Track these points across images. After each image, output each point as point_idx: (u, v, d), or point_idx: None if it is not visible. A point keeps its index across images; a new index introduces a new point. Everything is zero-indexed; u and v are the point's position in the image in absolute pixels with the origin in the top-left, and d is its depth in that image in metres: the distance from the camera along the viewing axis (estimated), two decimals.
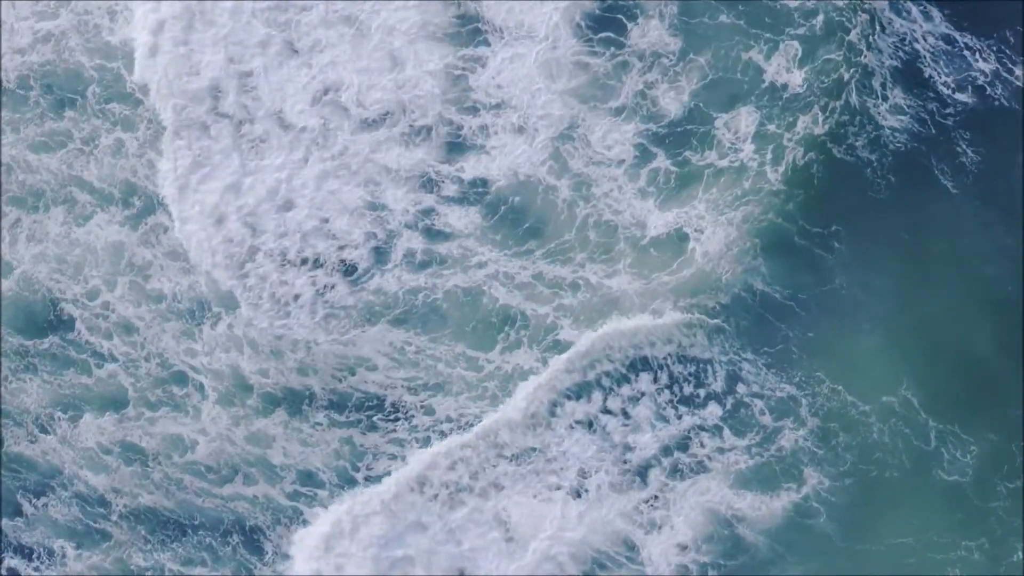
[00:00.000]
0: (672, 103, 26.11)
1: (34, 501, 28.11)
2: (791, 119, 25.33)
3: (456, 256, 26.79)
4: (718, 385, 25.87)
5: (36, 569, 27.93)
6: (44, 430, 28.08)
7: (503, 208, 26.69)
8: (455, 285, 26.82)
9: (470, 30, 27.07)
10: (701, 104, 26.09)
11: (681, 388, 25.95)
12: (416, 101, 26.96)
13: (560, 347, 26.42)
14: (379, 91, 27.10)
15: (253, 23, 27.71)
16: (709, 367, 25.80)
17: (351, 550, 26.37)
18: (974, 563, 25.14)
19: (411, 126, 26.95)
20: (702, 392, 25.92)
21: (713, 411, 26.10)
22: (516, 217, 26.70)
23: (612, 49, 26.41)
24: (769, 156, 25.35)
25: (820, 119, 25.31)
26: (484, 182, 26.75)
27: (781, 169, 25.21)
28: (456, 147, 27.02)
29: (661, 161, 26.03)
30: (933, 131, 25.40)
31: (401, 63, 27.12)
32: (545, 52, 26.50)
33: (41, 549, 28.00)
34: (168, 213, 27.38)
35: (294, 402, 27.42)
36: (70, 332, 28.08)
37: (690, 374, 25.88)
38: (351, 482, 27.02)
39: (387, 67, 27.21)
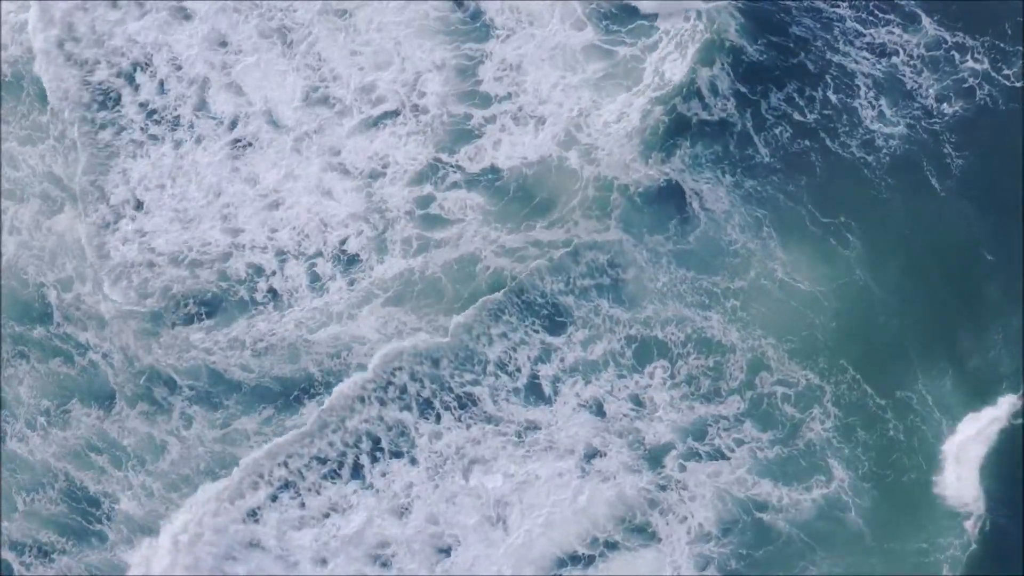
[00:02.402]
0: (677, 71, 26.25)
1: (25, 497, 27.44)
2: (762, 87, 26.03)
3: (458, 237, 26.44)
4: (740, 374, 25.37)
5: (26, 565, 27.23)
6: (30, 424, 27.60)
7: (513, 188, 26.42)
8: (450, 259, 26.40)
9: (480, 23, 27.11)
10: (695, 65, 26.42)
11: (700, 384, 25.42)
12: (423, 93, 26.81)
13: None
14: (381, 86, 26.95)
15: (241, 18, 27.68)
16: (731, 355, 25.39)
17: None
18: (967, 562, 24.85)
19: (417, 118, 26.76)
20: (722, 384, 25.45)
21: (734, 402, 25.35)
22: (524, 196, 26.42)
23: (642, 38, 26.74)
24: (750, 121, 25.90)
25: (798, 101, 25.81)
26: (494, 168, 26.48)
27: (765, 137, 25.77)
28: (464, 136, 26.74)
29: (658, 116, 26.06)
30: (924, 136, 25.82)
31: (404, 56, 27.05)
32: (556, 40, 26.67)
33: (33, 545, 27.32)
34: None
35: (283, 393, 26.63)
36: (51, 324, 27.67)
37: (711, 367, 25.43)
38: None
39: (388, 61, 27.09)
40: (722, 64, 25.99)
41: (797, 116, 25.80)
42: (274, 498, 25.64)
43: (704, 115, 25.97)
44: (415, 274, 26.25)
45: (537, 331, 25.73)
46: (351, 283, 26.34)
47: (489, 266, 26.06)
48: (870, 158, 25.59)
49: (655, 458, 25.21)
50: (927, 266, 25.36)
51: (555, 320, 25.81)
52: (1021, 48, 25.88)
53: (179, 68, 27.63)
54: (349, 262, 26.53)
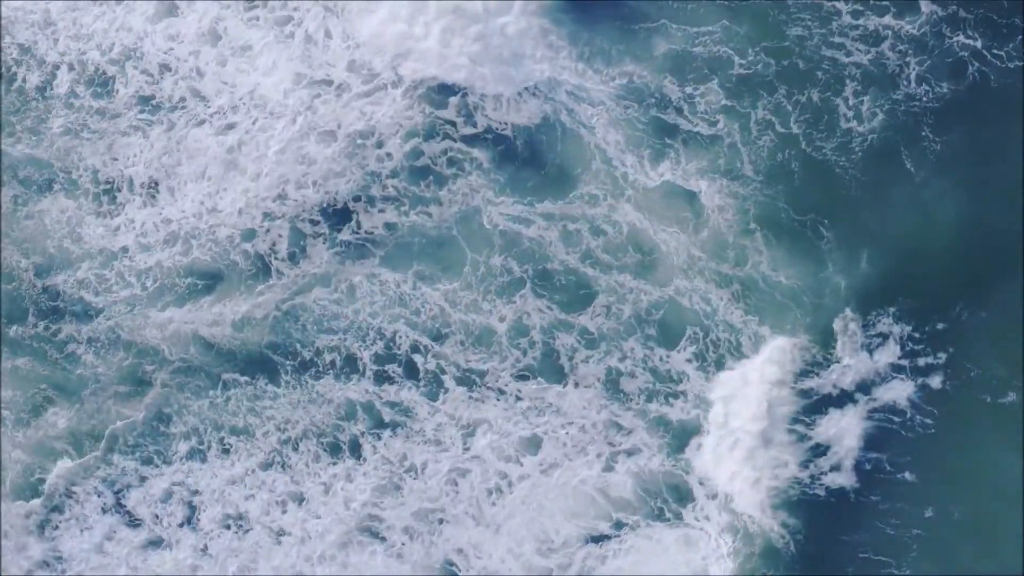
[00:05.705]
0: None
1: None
2: (753, 97, 25.99)
3: (459, 203, 25.98)
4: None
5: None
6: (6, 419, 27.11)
7: (519, 147, 26.01)
8: (452, 225, 26.00)
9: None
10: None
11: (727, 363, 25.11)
12: (418, 65, 26.21)
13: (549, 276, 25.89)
14: (376, 65, 26.29)
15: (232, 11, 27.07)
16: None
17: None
18: None
19: (412, 88, 26.15)
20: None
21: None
22: (527, 160, 26.04)
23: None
24: (738, 135, 25.85)
25: (786, 105, 25.71)
26: (491, 129, 26.01)
27: (752, 150, 25.77)
28: (465, 105, 26.18)
29: (636, 112, 26.06)
30: (903, 119, 25.61)
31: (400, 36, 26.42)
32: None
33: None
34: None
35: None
36: (30, 316, 26.95)
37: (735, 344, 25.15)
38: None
39: (382, 43, 26.40)
40: (703, 78, 25.94)
41: (781, 128, 25.59)
42: (266, 468, 25.42)
43: (688, 126, 25.77)
44: (413, 231, 25.84)
45: (551, 307, 25.19)
46: (334, 243, 25.88)
47: (497, 224, 25.66)
48: (843, 160, 25.37)
49: (679, 439, 24.80)
50: (903, 261, 25.05)
51: (576, 295, 25.34)
52: (1018, 21, 25.46)
53: (167, 62, 27.03)
54: (339, 218, 25.99)
